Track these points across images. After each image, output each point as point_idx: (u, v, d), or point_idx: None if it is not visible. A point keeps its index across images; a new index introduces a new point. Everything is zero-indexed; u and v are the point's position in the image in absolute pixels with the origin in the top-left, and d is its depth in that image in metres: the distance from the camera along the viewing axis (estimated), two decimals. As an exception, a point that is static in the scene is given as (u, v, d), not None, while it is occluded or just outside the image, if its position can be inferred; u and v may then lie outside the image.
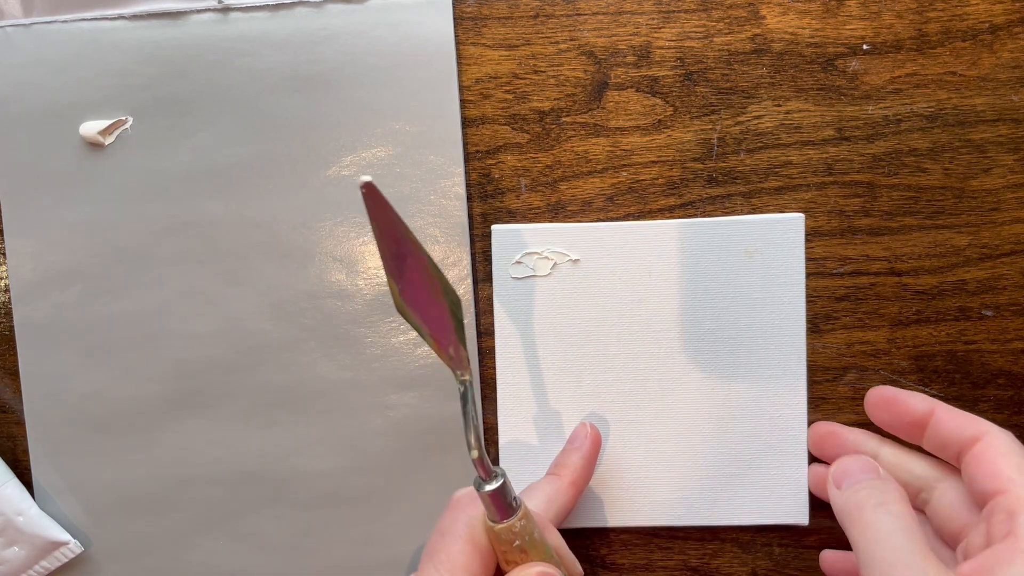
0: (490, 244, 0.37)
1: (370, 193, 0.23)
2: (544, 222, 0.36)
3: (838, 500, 0.30)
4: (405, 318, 0.26)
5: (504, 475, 0.27)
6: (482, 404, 0.37)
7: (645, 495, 0.36)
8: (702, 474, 0.35)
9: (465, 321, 0.37)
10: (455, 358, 0.27)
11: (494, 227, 0.35)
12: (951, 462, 0.31)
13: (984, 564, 0.26)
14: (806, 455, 0.36)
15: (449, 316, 0.26)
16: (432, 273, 0.26)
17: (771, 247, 0.35)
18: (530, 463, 0.36)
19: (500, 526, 0.27)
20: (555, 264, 0.35)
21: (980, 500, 0.29)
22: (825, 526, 0.36)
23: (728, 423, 0.35)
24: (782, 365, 0.35)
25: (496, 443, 0.37)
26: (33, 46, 0.37)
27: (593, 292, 0.35)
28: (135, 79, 0.37)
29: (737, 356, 0.35)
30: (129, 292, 0.37)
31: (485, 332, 0.37)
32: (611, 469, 0.36)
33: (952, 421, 0.31)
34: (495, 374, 0.36)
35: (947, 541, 0.31)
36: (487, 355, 0.37)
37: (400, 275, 0.25)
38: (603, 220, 0.37)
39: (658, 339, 0.35)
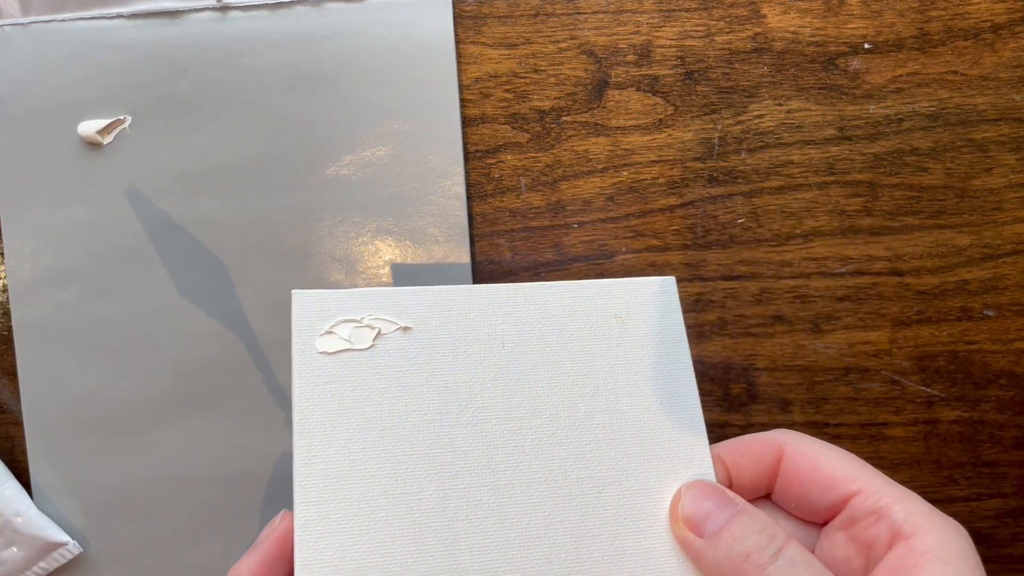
0: (490, 244, 0.37)
1: None
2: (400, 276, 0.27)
3: (709, 555, 0.23)
4: None
5: None
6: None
7: None
8: None
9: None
10: None
11: (295, 292, 0.26)
12: (761, 492, 0.27)
13: None
14: None
15: None
16: None
17: (644, 312, 0.28)
18: None
19: None
20: (379, 333, 0.26)
21: (818, 512, 0.26)
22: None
23: (622, 541, 0.25)
24: (681, 454, 0.27)
25: None
26: (31, 45, 0.37)
27: (430, 369, 0.26)
28: (134, 78, 0.37)
29: (623, 447, 0.26)
30: (128, 292, 0.37)
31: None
32: None
33: (742, 455, 0.26)
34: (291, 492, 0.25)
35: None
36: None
37: None
38: (600, 221, 0.36)
39: (522, 428, 0.26)
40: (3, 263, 0.38)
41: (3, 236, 0.38)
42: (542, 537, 0.25)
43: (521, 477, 0.26)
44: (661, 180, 0.36)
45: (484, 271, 0.37)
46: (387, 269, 0.37)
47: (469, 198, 0.37)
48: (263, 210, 0.37)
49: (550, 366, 0.27)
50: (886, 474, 0.25)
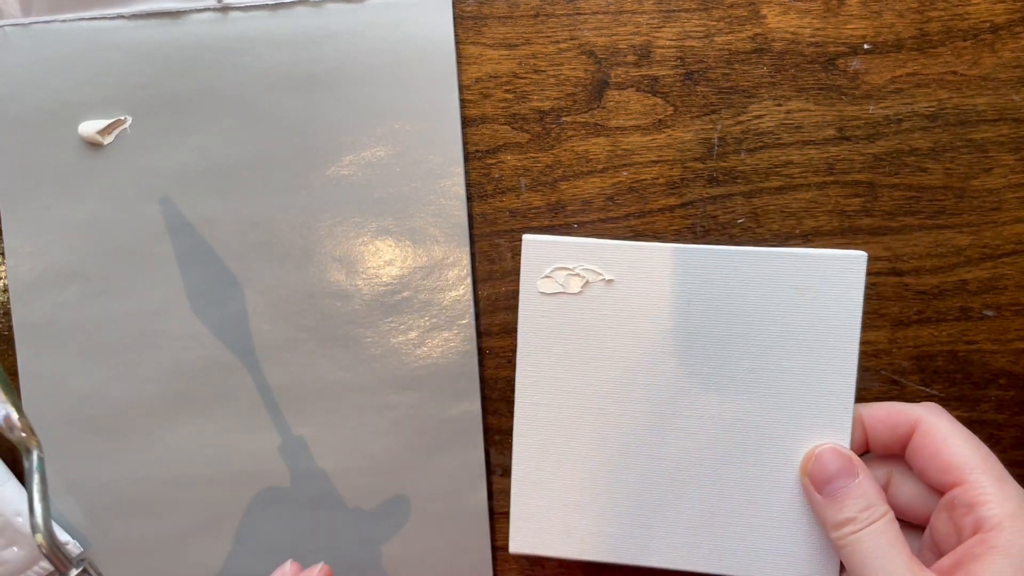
0: (490, 244, 0.37)
1: None
2: (577, 235, 0.35)
3: (821, 510, 0.30)
4: None
5: (87, 562, 0.24)
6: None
7: (661, 536, 0.33)
8: (724, 521, 0.33)
9: (464, 322, 0.37)
10: (14, 427, 0.24)
11: (525, 237, 0.33)
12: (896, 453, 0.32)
13: (960, 561, 0.27)
14: None
15: None
16: None
17: (826, 286, 0.32)
18: (542, 490, 0.34)
19: None
20: (587, 282, 0.33)
21: (935, 488, 0.30)
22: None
23: (758, 470, 0.32)
24: (825, 416, 0.32)
25: (509, 463, 0.35)
26: (32, 46, 0.37)
27: (625, 316, 0.33)
28: (134, 79, 0.37)
29: (776, 401, 0.32)
30: (128, 292, 0.37)
31: (485, 332, 0.37)
32: (628, 505, 0.33)
33: (880, 421, 0.31)
34: (513, 390, 0.34)
35: (912, 520, 0.32)
36: (488, 356, 0.37)
37: None
38: (600, 221, 0.36)
39: (691, 374, 0.32)
40: (3, 263, 0.38)
41: (3, 236, 0.38)
42: (692, 455, 0.33)
43: (682, 411, 0.33)
44: (661, 180, 0.36)
45: (484, 271, 0.37)
46: (388, 269, 0.37)
47: (469, 198, 0.37)
48: (263, 210, 0.37)
49: (726, 325, 0.32)
50: None
